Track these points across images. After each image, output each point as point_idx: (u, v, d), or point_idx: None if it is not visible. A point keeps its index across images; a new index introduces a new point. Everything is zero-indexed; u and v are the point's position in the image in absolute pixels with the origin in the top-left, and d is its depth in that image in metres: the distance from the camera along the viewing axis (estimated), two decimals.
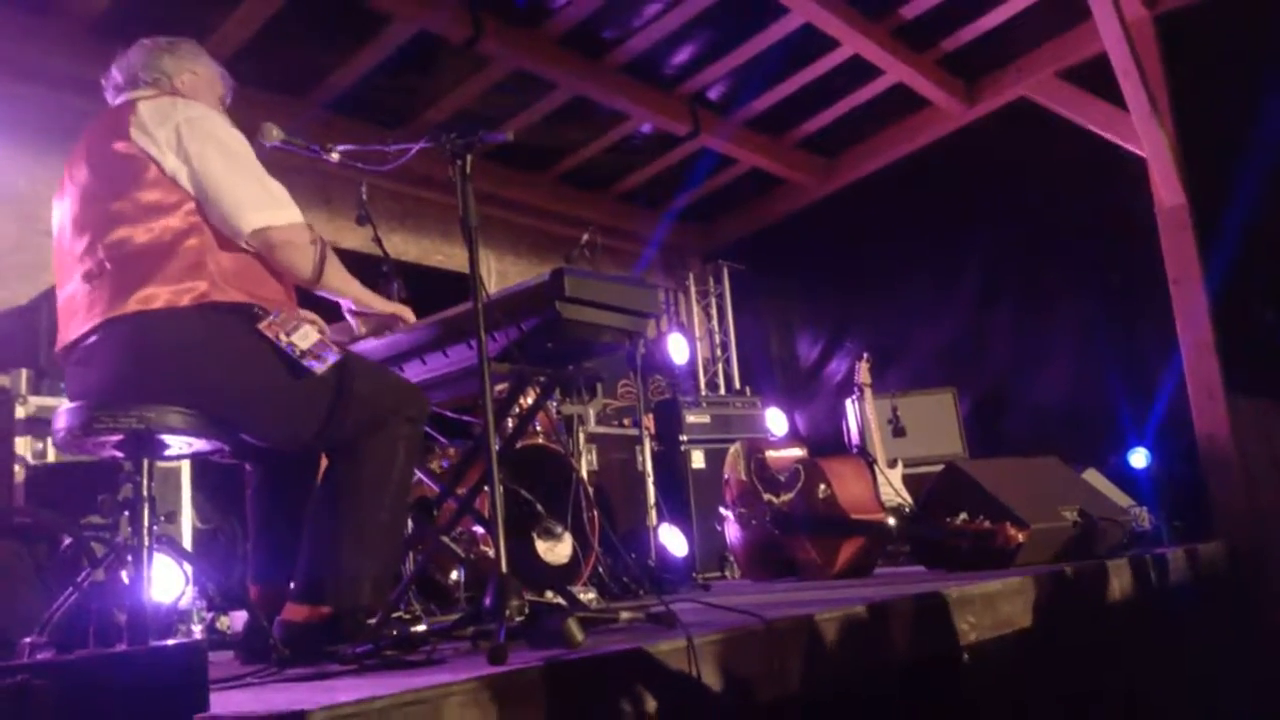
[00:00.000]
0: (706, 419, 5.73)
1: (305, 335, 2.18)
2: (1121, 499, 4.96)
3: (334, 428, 2.21)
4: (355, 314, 2.57)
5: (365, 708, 1.31)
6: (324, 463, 2.46)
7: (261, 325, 2.16)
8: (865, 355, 5.83)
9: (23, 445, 3.35)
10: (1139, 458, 5.35)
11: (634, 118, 5.92)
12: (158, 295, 2.12)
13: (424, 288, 4.05)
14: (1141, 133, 5.21)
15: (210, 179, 2.20)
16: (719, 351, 7.48)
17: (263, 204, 2.24)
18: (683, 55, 5.57)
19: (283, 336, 2.16)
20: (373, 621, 2.14)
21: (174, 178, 2.19)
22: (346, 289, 2.44)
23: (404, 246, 5.67)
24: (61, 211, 2.32)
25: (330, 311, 2.59)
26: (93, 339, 2.16)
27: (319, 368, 2.16)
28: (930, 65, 5.91)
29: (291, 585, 2.36)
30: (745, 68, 5.69)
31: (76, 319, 2.20)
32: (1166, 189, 5.29)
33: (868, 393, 5.68)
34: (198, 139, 2.21)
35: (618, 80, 5.54)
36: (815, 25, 5.23)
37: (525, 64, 5.15)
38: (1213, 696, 3.33)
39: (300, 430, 2.24)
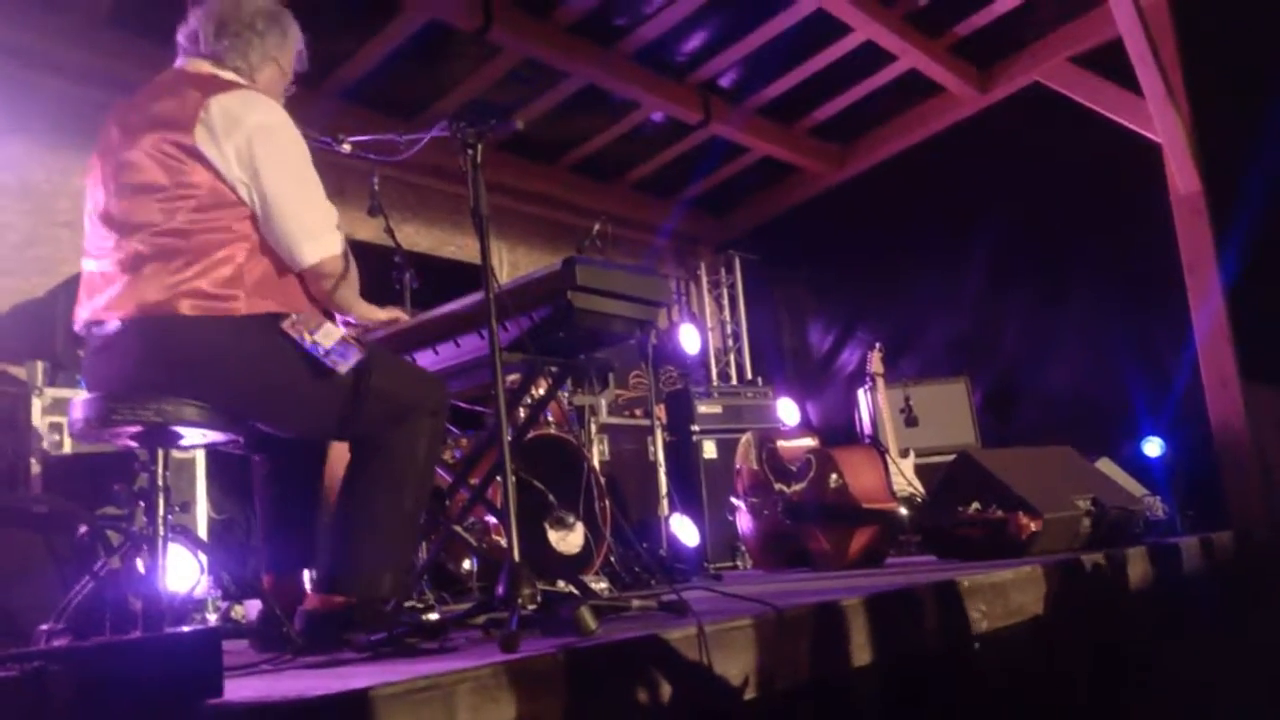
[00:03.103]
0: (718, 409, 5.73)
1: (328, 333, 2.18)
2: (1135, 488, 4.94)
3: (357, 421, 2.22)
4: (354, 326, 2.57)
5: (379, 693, 1.32)
6: (333, 451, 2.48)
7: (285, 325, 2.16)
8: (877, 345, 5.82)
9: (39, 436, 3.38)
10: (1153, 446, 5.33)
11: (645, 106, 5.91)
12: (190, 300, 2.09)
13: (436, 278, 4.08)
14: (1157, 118, 5.17)
15: (278, 205, 2.15)
16: (730, 341, 7.47)
17: (321, 232, 2.21)
18: (694, 42, 5.55)
19: (306, 335, 2.16)
20: (388, 609, 2.15)
21: (232, 186, 2.13)
22: (353, 307, 2.44)
23: (416, 237, 5.68)
24: (103, 175, 2.21)
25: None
26: (117, 327, 2.14)
27: (343, 365, 2.16)
28: (943, 51, 5.87)
29: (308, 574, 2.37)
30: (757, 55, 5.67)
31: (102, 298, 2.16)
32: (1181, 175, 5.25)
33: (880, 382, 5.67)
34: (270, 156, 2.15)
35: (629, 68, 5.53)
36: (827, 11, 5.20)
37: (536, 52, 5.15)
38: (1224, 685, 3.32)
39: (324, 423, 2.25)
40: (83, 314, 2.22)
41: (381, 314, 2.56)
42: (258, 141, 2.14)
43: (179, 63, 2.34)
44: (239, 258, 2.15)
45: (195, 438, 2.23)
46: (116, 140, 2.21)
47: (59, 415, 3.37)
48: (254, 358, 2.15)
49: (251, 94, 2.22)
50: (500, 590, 1.96)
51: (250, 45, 2.32)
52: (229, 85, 2.22)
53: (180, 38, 2.35)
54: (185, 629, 1.97)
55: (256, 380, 2.16)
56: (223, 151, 2.12)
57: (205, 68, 2.29)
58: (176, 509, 2.16)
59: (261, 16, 2.35)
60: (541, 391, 3.51)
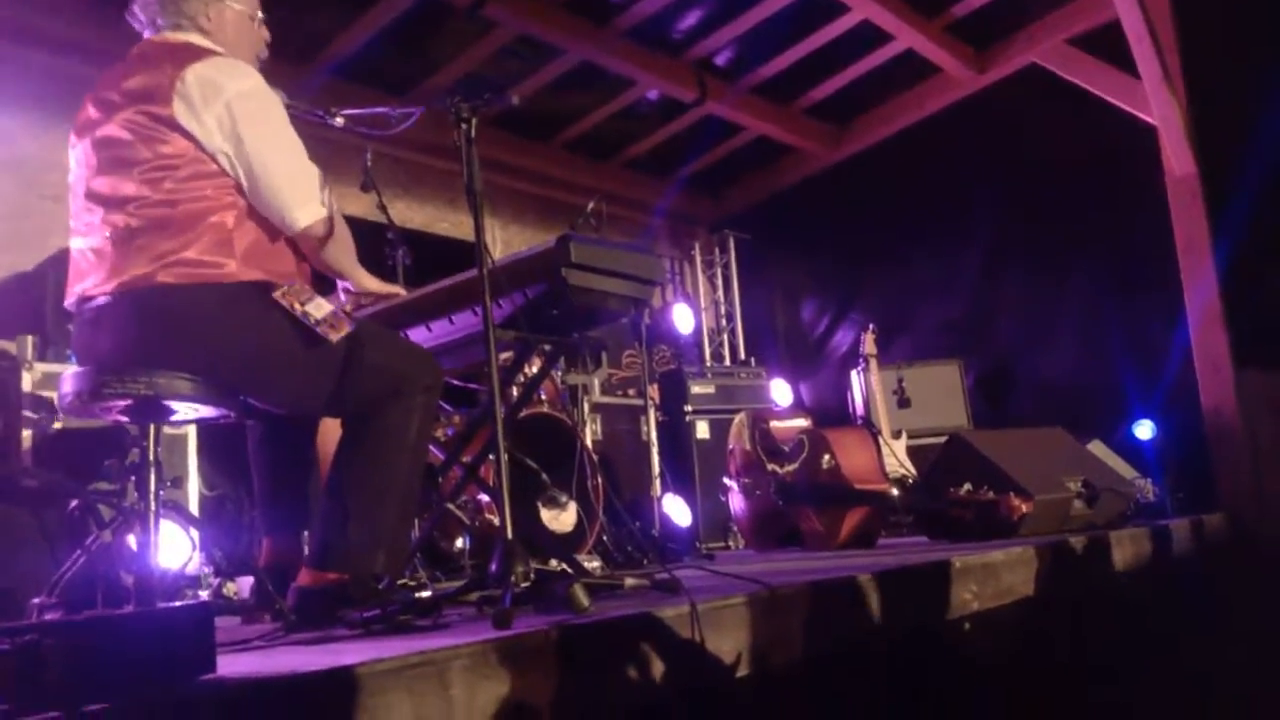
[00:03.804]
0: (711, 389, 5.73)
1: (319, 305, 2.18)
2: (1126, 470, 4.96)
3: (349, 396, 2.21)
4: (351, 294, 2.56)
5: (372, 669, 1.32)
6: (325, 422, 2.48)
7: (276, 294, 2.15)
8: (871, 326, 5.82)
9: (29, 412, 3.36)
10: (1144, 429, 5.35)
11: (640, 84, 5.87)
12: (180, 268, 2.09)
13: (429, 255, 4.05)
14: (1153, 101, 5.15)
15: (263, 171, 2.15)
16: (724, 322, 7.47)
17: (308, 197, 2.20)
18: (690, 20, 5.51)
19: (297, 305, 2.15)
20: (381, 586, 2.15)
21: (213, 155, 2.12)
22: (352, 272, 2.43)
23: (409, 214, 5.65)
24: (84, 153, 2.21)
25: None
26: (106, 300, 2.13)
27: (334, 336, 2.16)
28: (940, 31, 5.84)
29: (305, 550, 2.37)
30: (753, 33, 5.63)
31: (92, 274, 2.16)
32: (1177, 158, 5.23)
33: (873, 364, 5.68)
34: (251, 124, 2.13)
35: (624, 45, 5.49)
36: None
37: (531, 28, 5.10)
38: (1214, 667, 3.35)
39: (314, 398, 2.24)
40: (74, 292, 2.21)
41: (380, 286, 2.55)
42: (238, 109, 2.13)
43: (147, 34, 2.32)
44: (228, 224, 2.14)
45: (187, 412, 2.22)
46: (95, 117, 2.21)
47: (49, 390, 3.34)
48: (246, 325, 2.14)
49: (225, 61, 2.22)
50: (493, 568, 1.96)
51: (189, 0, 2.28)
52: (202, 53, 2.21)
53: (133, 22, 2.33)
54: (178, 604, 1.97)
55: (248, 348, 2.15)
56: (202, 122, 2.11)
57: (172, 37, 2.27)
58: (168, 484, 2.16)
59: None
60: (535, 370, 3.50)
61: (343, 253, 2.34)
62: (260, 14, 2.42)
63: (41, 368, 3.42)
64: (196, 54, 2.20)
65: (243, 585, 3.26)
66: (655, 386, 5.53)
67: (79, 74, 4.08)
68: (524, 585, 1.92)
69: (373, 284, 2.53)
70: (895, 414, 5.82)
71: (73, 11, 4.23)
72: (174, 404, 2.13)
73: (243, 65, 2.23)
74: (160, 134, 2.12)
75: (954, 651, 2.61)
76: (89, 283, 2.17)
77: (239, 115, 2.13)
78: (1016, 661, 2.83)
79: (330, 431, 2.36)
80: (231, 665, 1.49)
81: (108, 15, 2.41)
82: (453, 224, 5.90)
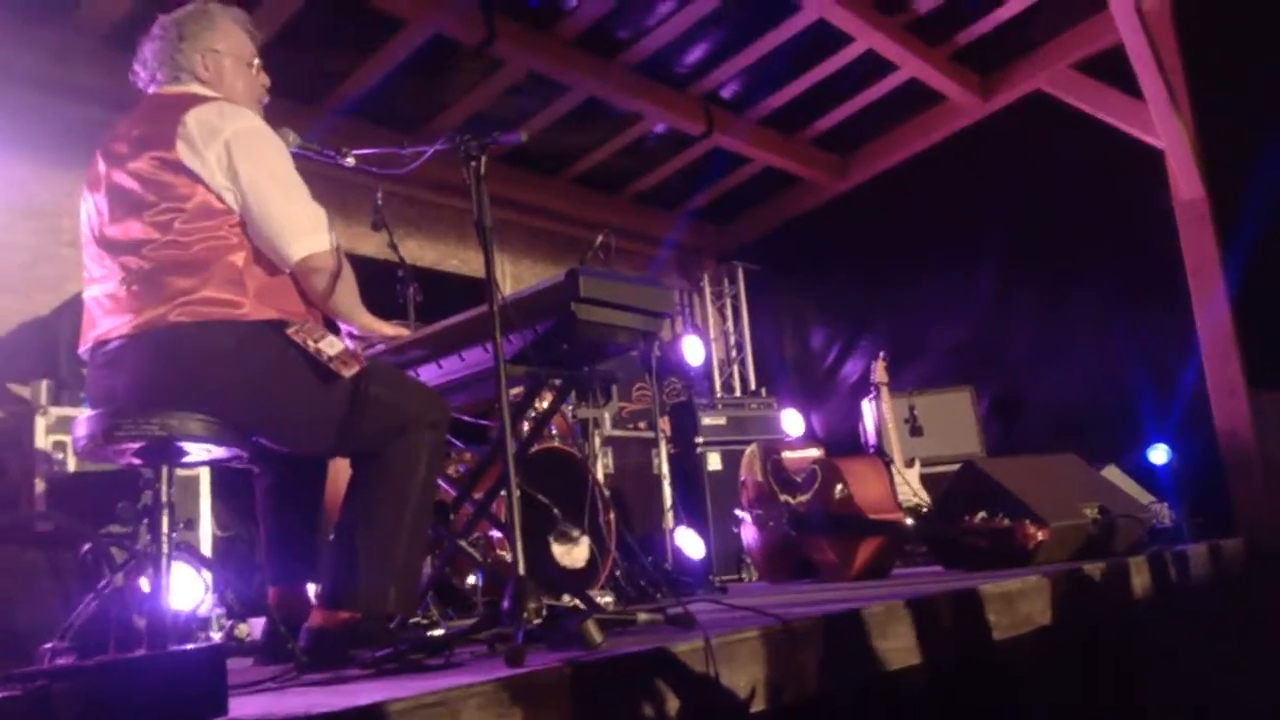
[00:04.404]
0: (722, 421, 5.72)
1: (332, 343, 2.20)
2: (1142, 495, 4.92)
3: (357, 434, 2.22)
4: (355, 338, 2.57)
5: (386, 709, 1.31)
6: (334, 467, 2.48)
7: (289, 331, 2.17)
8: (881, 354, 5.81)
9: (43, 455, 3.38)
10: (1159, 454, 5.30)
11: (648, 118, 5.92)
12: (196, 307, 2.11)
13: (439, 293, 4.07)
14: (1159, 124, 5.16)
15: (259, 205, 2.18)
16: (734, 353, 7.47)
17: (306, 230, 2.23)
18: (696, 53, 5.56)
19: (310, 342, 2.17)
20: (393, 625, 2.15)
21: (219, 194, 2.17)
22: (355, 315, 2.44)
23: (420, 252, 5.69)
24: (96, 204, 2.26)
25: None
26: (121, 343, 2.16)
27: (347, 373, 2.17)
28: (944, 59, 5.88)
29: (312, 589, 2.37)
30: (758, 66, 5.69)
31: (107, 319, 2.19)
32: (1185, 181, 5.24)
33: (884, 392, 5.66)
34: (247, 160, 2.18)
35: (631, 80, 5.55)
36: (828, 21, 5.22)
37: (539, 66, 5.16)
38: (1233, 693, 3.30)
39: (324, 436, 2.25)
40: (89, 338, 2.23)
41: (386, 328, 2.56)
42: (235, 147, 2.18)
43: (151, 90, 2.39)
44: (238, 265, 2.18)
45: (199, 453, 2.23)
46: (104, 170, 2.26)
47: (63, 434, 3.36)
48: (260, 361, 2.16)
49: (226, 104, 2.27)
50: (506, 605, 1.95)
51: (176, 54, 2.34)
52: (202, 99, 2.27)
53: (135, 82, 2.41)
54: (189, 647, 1.96)
55: (262, 384, 2.17)
56: (204, 161, 2.16)
57: (172, 89, 2.34)
58: (181, 526, 2.16)
59: (179, 24, 2.37)
60: (545, 404, 3.51)
61: (345, 294, 2.35)
62: (258, 60, 2.47)
63: (55, 412, 3.45)
64: (197, 100, 2.26)
65: (255, 627, 3.25)
66: (666, 419, 5.52)
67: (95, 121, 4.14)
68: (536, 622, 1.91)
69: (377, 325, 2.54)
70: (908, 442, 5.79)
71: (90, 59, 4.29)
72: (186, 445, 2.14)
73: (242, 109, 2.29)
74: (167, 177, 2.16)
75: (972, 682, 2.58)
76: (104, 327, 2.19)
77: (235, 152, 2.17)
78: (1033, 691, 2.79)
79: (340, 477, 2.36)
80: (244, 707, 1.49)
81: (123, 63, 2.46)
82: (463, 260, 5.94)
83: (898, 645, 2.30)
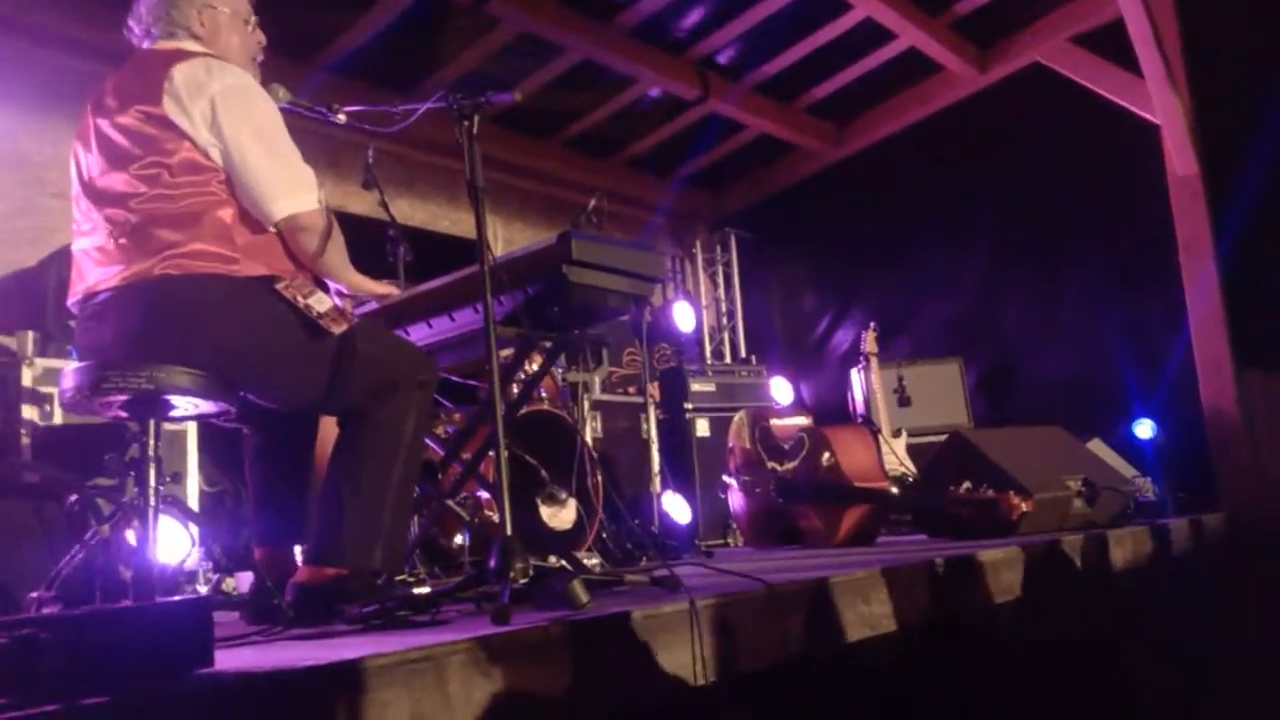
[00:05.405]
0: (712, 387, 5.73)
1: (321, 299, 2.20)
2: (1126, 469, 4.96)
3: (344, 391, 2.22)
4: (345, 297, 2.56)
5: (371, 664, 1.32)
6: (323, 428, 2.47)
7: (279, 286, 2.17)
8: (872, 325, 5.81)
9: (29, 407, 3.36)
10: (1144, 428, 5.34)
11: (642, 81, 5.87)
12: (185, 261, 2.11)
13: (430, 253, 4.05)
14: (1156, 100, 5.14)
15: (243, 162, 2.17)
16: (725, 320, 7.47)
17: (290, 189, 2.22)
18: (693, 18, 5.50)
19: (300, 298, 2.17)
20: (380, 582, 2.16)
21: (205, 150, 2.16)
22: (343, 274, 2.43)
23: (410, 211, 5.65)
24: (85, 160, 2.26)
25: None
26: (109, 295, 2.15)
27: (335, 330, 2.17)
28: (943, 29, 5.84)
29: (299, 548, 2.37)
30: (756, 31, 5.63)
31: (96, 272, 2.18)
32: (1180, 157, 5.23)
33: (874, 362, 5.67)
34: (233, 117, 2.17)
35: (626, 43, 5.49)
36: None
37: (533, 26, 5.10)
38: (1214, 666, 3.35)
39: (311, 392, 2.25)
40: (78, 290, 2.23)
41: (376, 286, 2.55)
42: (221, 103, 2.16)
43: (145, 45, 2.37)
44: (227, 220, 2.17)
45: (186, 408, 2.22)
46: (93, 123, 2.25)
47: (49, 385, 3.35)
48: (249, 316, 2.16)
49: (214, 60, 2.25)
50: (492, 564, 1.96)
51: (179, 9, 2.33)
52: (191, 55, 2.26)
53: (129, 37, 2.39)
54: (176, 599, 1.97)
55: (250, 338, 2.16)
56: (190, 117, 2.15)
57: (165, 45, 2.32)
58: (168, 480, 2.15)
59: None
60: (535, 367, 3.50)
61: (334, 253, 2.34)
62: (254, 17, 2.45)
63: (42, 363, 3.43)
64: (185, 56, 2.24)
65: (241, 581, 3.27)
66: (655, 384, 5.53)
67: (82, 71, 4.09)
68: (523, 582, 1.93)
69: (366, 285, 2.53)
70: (895, 412, 5.81)
71: (76, 9, 4.22)
72: (174, 399, 2.13)
73: (231, 65, 2.27)
74: (152, 131, 2.15)
75: (949, 648, 2.61)
76: (93, 279, 2.19)
77: (221, 109, 2.16)
78: (1012, 659, 2.83)
79: (329, 437, 2.36)
80: (230, 660, 1.49)
81: (111, 13, 2.43)
82: (454, 221, 5.90)
83: (879, 611, 2.33)
